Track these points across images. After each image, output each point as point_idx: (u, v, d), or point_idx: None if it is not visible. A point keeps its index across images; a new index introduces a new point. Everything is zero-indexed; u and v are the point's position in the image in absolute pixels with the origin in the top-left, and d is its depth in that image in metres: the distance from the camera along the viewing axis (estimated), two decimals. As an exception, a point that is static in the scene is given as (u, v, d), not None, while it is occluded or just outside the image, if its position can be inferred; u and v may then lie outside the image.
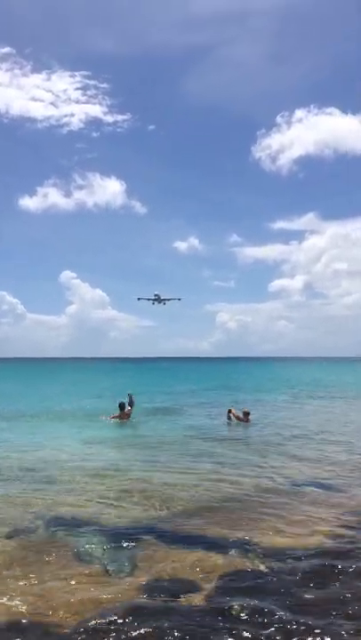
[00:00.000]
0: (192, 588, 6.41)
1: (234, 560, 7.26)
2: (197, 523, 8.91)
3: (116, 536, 8.19)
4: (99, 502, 10.13)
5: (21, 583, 6.55)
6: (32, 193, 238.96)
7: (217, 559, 7.28)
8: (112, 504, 10.04)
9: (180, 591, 6.30)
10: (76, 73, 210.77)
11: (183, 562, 7.21)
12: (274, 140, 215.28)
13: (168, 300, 69.38)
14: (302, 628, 5.40)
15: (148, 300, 68.96)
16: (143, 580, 6.63)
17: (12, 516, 9.16)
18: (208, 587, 6.43)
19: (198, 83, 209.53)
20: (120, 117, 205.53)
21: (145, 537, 8.18)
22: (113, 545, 7.84)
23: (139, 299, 70.51)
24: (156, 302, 68.47)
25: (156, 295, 68.18)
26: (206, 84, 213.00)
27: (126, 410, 22.93)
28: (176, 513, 9.48)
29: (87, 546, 7.79)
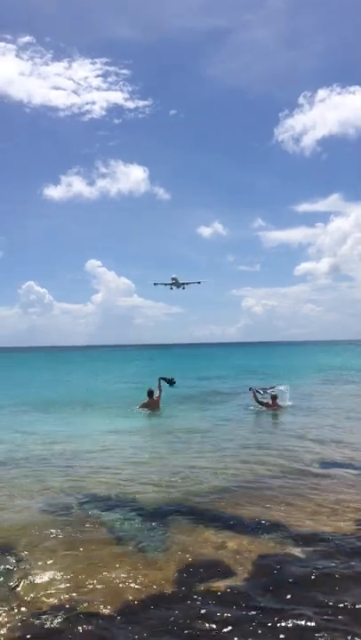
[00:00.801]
0: (226, 571, 6.40)
1: (267, 543, 7.24)
2: (230, 505, 8.93)
3: (150, 516, 8.30)
4: (132, 485, 10.26)
5: (57, 561, 6.67)
6: (56, 182, 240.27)
7: (250, 542, 7.26)
8: (145, 487, 10.13)
9: (213, 574, 6.30)
10: (97, 60, 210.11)
11: (216, 544, 7.22)
12: (296, 121, 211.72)
13: (187, 283, 65.19)
14: (341, 612, 5.36)
15: (165, 285, 65.07)
16: (177, 560, 6.68)
17: (48, 498, 9.36)
18: (242, 570, 6.41)
19: (218, 66, 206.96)
20: (141, 103, 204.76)
21: (178, 518, 8.25)
22: (147, 525, 7.94)
23: (155, 284, 67.43)
24: (174, 287, 64.56)
25: (173, 279, 64.06)
26: (227, 68, 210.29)
27: (155, 396, 22.72)
28: (208, 496, 9.49)
29: (121, 525, 7.91)
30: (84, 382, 43.58)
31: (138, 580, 6.15)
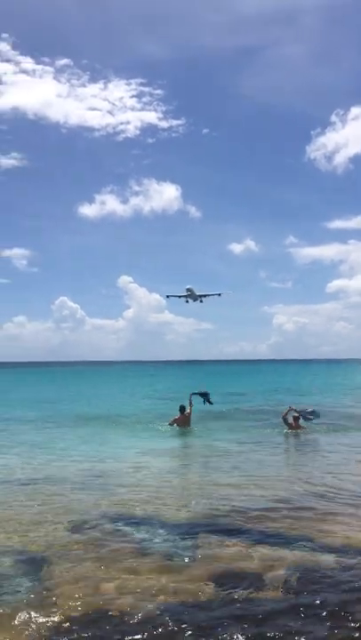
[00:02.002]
0: (257, 581, 6.41)
1: (299, 554, 7.25)
2: (258, 521, 8.93)
3: (178, 531, 8.36)
4: (160, 503, 10.31)
5: (85, 570, 6.79)
6: (91, 200, 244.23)
7: (281, 553, 7.28)
8: (173, 505, 10.18)
9: (244, 584, 6.32)
10: (132, 81, 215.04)
11: (247, 555, 7.25)
12: (329, 139, 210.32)
13: (205, 296, 58.53)
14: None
15: (180, 297, 58.62)
16: (206, 571, 6.72)
17: (77, 516, 9.45)
18: (274, 580, 6.42)
19: (250, 84, 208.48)
20: (175, 122, 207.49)
21: (205, 533, 8.28)
22: (175, 538, 8.01)
23: (168, 296, 60.91)
24: (190, 300, 57.87)
25: (188, 290, 57.30)
26: (258, 85, 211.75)
27: (186, 412, 22.66)
28: (237, 513, 9.49)
29: (149, 540, 7.99)
30: (112, 398, 43.95)
31: (166, 589, 6.22)
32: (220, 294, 59.66)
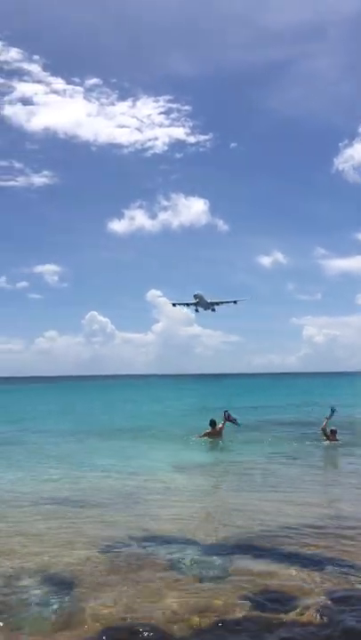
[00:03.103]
0: (291, 604, 6.22)
1: (334, 579, 7.01)
2: (294, 542, 8.68)
3: (210, 551, 8.19)
4: (190, 522, 10.16)
5: (116, 592, 6.70)
6: (120, 216, 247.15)
7: (315, 576, 7.04)
8: (205, 524, 10.01)
9: (277, 605, 6.15)
10: (160, 98, 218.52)
11: (278, 577, 7.05)
12: (356, 151, 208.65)
13: (217, 303, 52.65)
14: None
15: (188, 305, 52.90)
16: (237, 592, 6.55)
17: (106, 535, 9.34)
18: (308, 604, 6.23)
19: (277, 98, 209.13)
20: (202, 137, 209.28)
21: (238, 553, 8.10)
22: (207, 558, 7.84)
23: (174, 304, 54.78)
24: (200, 308, 52.14)
25: (196, 297, 51.12)
26: (285, 99, 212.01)
27: (217, 427, 22.77)
28: (271, 533, 9.25)
29: (181, 560, 7.83)
30: (142, 411, 44.05)
31: (197, 611, 6.08)
32: (235, 302, 53.66)
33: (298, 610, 6.09)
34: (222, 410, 23.85)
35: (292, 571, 7.30)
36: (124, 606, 6.26)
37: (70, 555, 8.23)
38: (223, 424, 22.94)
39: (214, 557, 7.89)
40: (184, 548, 8.45)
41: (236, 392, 74.73)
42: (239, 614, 5.99)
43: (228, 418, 23.08)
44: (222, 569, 7.42)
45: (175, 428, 28.33)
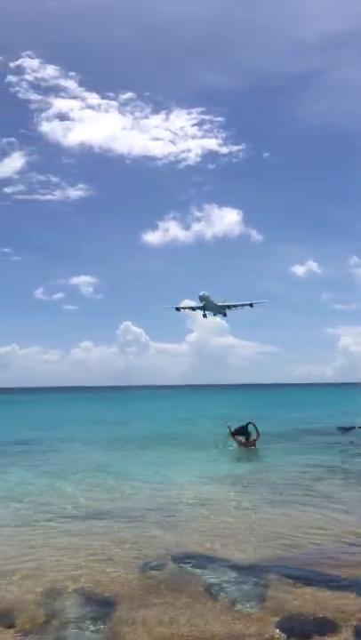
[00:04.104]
0: (329, 627, 6.13)
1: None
2: (331, 565, 8.49)
3: (245, 572, 8.10)
4: (224, 539, 10.04)
5: (153, 613, 6.69)
6: (154, 228, 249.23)
7: (352, 599, 6.90)
8: (240, 542, 9.88)
9: (316, 630, 6.06)
10: (192, 110, 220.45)
11: (316, 600, 6.93)
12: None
13: (228, 307, 46.43)
14: None
15: (193, 309, 47.23)
16: (274, 615, 6.48)
17: (142, 554, 9.31)
18: (347, 628, 6.13)
19: (310, 106, 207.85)
20: (235, 148, 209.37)
21: (273, 574, 7.98)
22: (241, 580, 7.76)
23: (177, 309, 48.29)
24: (208, 313, 46.37)
25: (202, 299, 44.97)
26: (318, 108, 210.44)
27: (252, 438, 23.03)
28: (307, 554, 9.10)
29: (215, 581, 7.77)
30: (176, 421, 44.05)
31: (234, 634, 6.04)
32: (251, 304, 46.80)
33: (335, 637, 5.93)
34: (249, 420, 24.15)
35: (329, 594, 7.17)
36: (160, 632, 6.23)
37: (107, 572, 8.26)
38: (257, 435, 23.17)
39: (250, 579, 7.81)
40: (220, 567, 8.39)
41: (270, 402, 74.00)
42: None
43: (254, 429, 23.46)
44: (258, 592, 7.33)
45: (208, 437, 28.38)
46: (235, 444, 23.46)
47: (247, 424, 23.87)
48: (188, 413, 53.57)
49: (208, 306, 45.62)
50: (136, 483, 16.28)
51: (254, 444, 23.02)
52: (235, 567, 8.38)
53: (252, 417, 26.18)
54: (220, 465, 19.83)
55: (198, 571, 8.28)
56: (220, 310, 46.82)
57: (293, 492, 14.60)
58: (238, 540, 10.02)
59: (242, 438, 23.20)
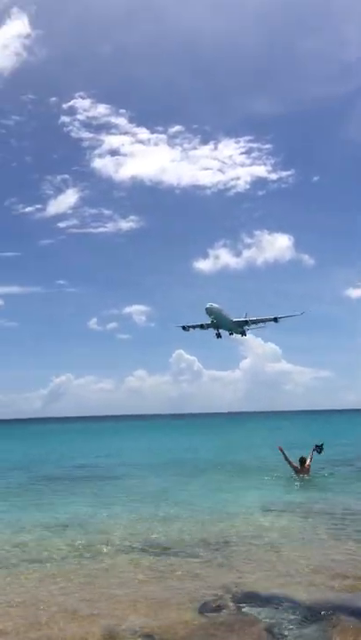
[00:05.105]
0: None
1: None
2: None
3: (309, 615, 7.76)
4: (285, 577, 9.67)
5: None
6: (205, 255, 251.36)
7: None
8: (299, 579, 9.50)
9: None
10: (240, 139, 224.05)
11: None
12: None
13: (247, 322, 40.65)
14: None
15: (205, 327, 40.97)
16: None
17: (199, 592, 9.10)
18: None
19: (357, 127, 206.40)
20: (284, 174, 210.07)
21: (341, 618, 7.59)
22: (303, 622, 7.46)
23: (185, 328, 42.26)
24: (224, 331, 40.57)
25: (210, 312, 38.83)
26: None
27: (306, 465, 22.72)
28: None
29: (279, 623, 7.49)
30: (233, 448, 43.67)
31: None
32: (275, 319, 41.29)
33: None
34: (314, 444, 23.58)
35: None
36: None
37: (163, 615, 8.06)
38: (311, 460, 22.86)
39: (313, 621, 7.49)
40: (281, 608, 8.09)
41: (327, 429, 72.02)
42: None
43: (316, 451, 23.05)
44: (321, 635, 7.05)
45: (263, 464, 28.03)
46: (291, 472, 23.08)
47: (314, 450, 23.34)
48: (243, 440, 52.94)
49: (221, 322, 40.29)
50: (191, 512, 16.17)
51: (308, 471, 22.58)
52: (297, 608, 8.05)
53: (308, 444, 25.71)
54: (277, 493, 19.45)
55: (258, 611, 8.00)
56: (237, 328, 41.48)
57: (354, 524, 13.96)
58: (300, 578, 9.60)
59: (297, 465, 22.85)
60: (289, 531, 13.70)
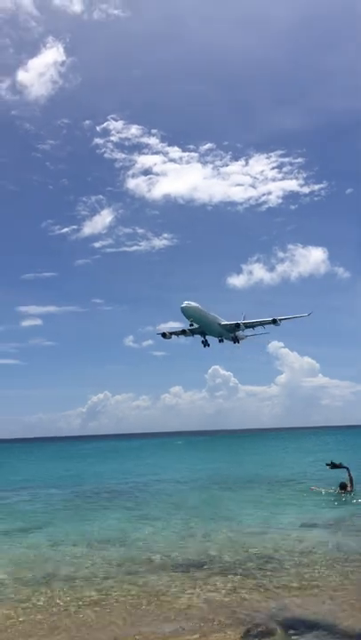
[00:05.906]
0: None
1: None
2: None
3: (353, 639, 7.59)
4: (331, 602, 9.40)
5: None
6: (238, 271, 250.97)
7: None
8: (345, 602, 9.24)
9: None
10: (271, 154, 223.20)
11: None
12: None
13: (238, 325, 35.38)
14: None
15: (184, 334, 35.16)
16: None
17: (245, 614, 8.91)
18: None
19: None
20: (316, 187, 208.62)
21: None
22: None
23: (164, 335, 36.55)
24: (211, 337, 35.35)
25: (186, 311, 32.90)
26: None
27: (347, 488, 22.34)
28: None
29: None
30: (273, 463, 43.18)
31: None
32: (275, 321, 36.06)
33: None
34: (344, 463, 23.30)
35: None
36: None
37: (209, 635, 8.01)
38: (352, 482, 22.42)
39: None
40: (327, 633, 7.92)
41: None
42: None
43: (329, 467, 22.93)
44: None
45: (303, 479, 27.77)
46: (333, 487, 22.68)
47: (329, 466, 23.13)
48: (280, 455, 52.20)
49: (205, 326, 34.55)
50: (230, 528, 16.09)
51: (352, 488, 22.18)
52: (343, 634, 7.87)
53: (347, 460, 25.31)
54: (319, 508, 19.20)
55: (305, 637, 7.85)
56: (226, 332, 35.71)
57: None
58: (346, 601, 9.32)
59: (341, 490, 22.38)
60: (333, 548, 13.41)
